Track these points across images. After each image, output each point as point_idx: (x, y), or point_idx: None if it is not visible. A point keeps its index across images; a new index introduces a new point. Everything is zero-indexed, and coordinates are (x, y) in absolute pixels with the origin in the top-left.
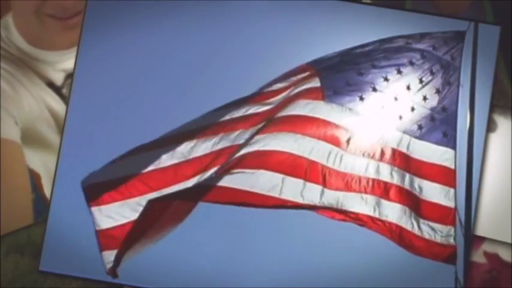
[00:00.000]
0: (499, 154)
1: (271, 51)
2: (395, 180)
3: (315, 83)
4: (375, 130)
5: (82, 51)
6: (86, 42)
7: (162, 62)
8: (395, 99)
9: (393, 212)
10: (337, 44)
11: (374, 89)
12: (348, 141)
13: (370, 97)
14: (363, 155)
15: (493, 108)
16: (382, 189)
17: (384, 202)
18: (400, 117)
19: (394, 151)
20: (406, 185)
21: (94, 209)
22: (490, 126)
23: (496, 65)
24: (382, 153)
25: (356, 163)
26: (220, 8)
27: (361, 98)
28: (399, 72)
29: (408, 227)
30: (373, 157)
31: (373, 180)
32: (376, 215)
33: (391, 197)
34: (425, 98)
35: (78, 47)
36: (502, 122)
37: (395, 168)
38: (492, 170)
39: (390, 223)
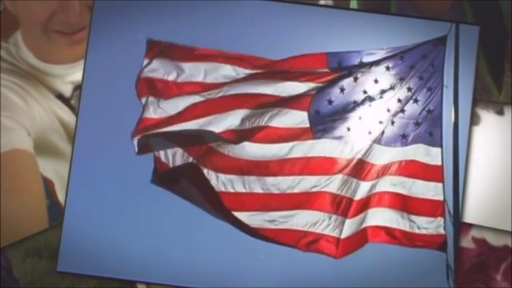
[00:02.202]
0: (483, 145)
1: (272, 50)
2: (390, 188)
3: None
4: (364, 149)
5: (89, 63)
6: (93, 54)
7: None
8: (379, 117)
9: (389, 217)
10: (331, 46)
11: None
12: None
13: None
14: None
15: (476, 102)
16: (376, 200)
17: (378, 210)
18: (383, 133)
19: (384, 165)
20: (401, 191)
21: None
22: (474, 120)
23: (478, 61)
24: (374, 169)
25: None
26: (225, 8)
27: (348, 129)
28: (383, 92)
29: (404, 227)
30: (364, 177)
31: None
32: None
33: (385, 204)
34: (403, 111)
35: (86, 59)
36: (484, 115)
37: (389, 178)
38: (477, 161)
39: (388, 228)
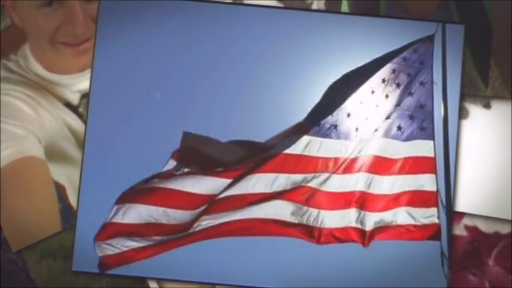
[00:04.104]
0: (472, 138)
1: (271, 53)
2: (388, 187)
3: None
4: (361, 146)
5: (96, 72)
6: (99, 63)
7: (170, 73)
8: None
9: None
10: (325, 49)
11: (348, 115)
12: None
13: (347, 122)
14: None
15: (464, 97)
16: (375, 200)
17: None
18: (376, 129)
19: (377, 158)
20: (399, 185)
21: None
22: (463, 114)
23: (465, 58)
24: (369, 164)
25: (346, 181)
26: (226, 11)
27: (335, 127)
28: (373, 92)
29: (406, 222)
30: (362, 170)
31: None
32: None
33: (388, 204)
34: (398, 104)
35: (92, 68)
36: (472, 109)
37: (387, 175)
38: (467, 153)
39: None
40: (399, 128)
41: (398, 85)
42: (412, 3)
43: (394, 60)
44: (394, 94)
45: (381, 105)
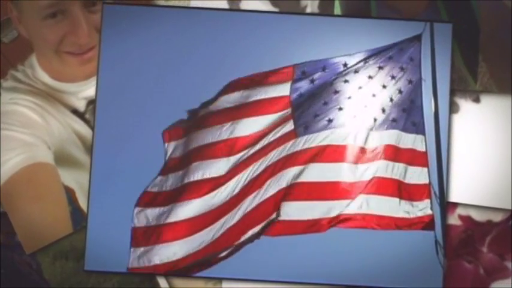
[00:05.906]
0: (463, 131)
1: (268, 55)
2: (382, 173)
3: (290, 125)
4: (354, 135)
5: (101, 79)
6: (104, 71)
7: (172, 78)
8: (364, 107)
9: (382, 203)
10: (318, 51)
11: (340, 109)
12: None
13: (339, 118)
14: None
15: (454, 92)
16: (370, 186)
17: (373, 197)
18: (375, 119)
19: (375, 148)
20: (391, 174)
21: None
22: (453, 109)
23: (454, 55)
24: (366, 152)
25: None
26: (226, 17)
27: (330, 120)
28: (360, 88)
29: (396, 214)
30: (359, 158)
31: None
32: (364, 211)
33: (379, 190)
34: (391, 99)
35: (97, 76)
36: (463, 103)
37: (380, 162)
38: (458, 145)
39: (379, 216)
40: (394, 119)
41: (393, 77)
42: (402, 4)
43: (383, 59)
44: (389, 86)
45: (377, 96)
